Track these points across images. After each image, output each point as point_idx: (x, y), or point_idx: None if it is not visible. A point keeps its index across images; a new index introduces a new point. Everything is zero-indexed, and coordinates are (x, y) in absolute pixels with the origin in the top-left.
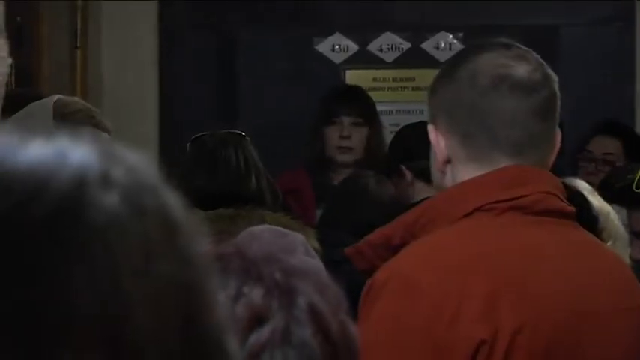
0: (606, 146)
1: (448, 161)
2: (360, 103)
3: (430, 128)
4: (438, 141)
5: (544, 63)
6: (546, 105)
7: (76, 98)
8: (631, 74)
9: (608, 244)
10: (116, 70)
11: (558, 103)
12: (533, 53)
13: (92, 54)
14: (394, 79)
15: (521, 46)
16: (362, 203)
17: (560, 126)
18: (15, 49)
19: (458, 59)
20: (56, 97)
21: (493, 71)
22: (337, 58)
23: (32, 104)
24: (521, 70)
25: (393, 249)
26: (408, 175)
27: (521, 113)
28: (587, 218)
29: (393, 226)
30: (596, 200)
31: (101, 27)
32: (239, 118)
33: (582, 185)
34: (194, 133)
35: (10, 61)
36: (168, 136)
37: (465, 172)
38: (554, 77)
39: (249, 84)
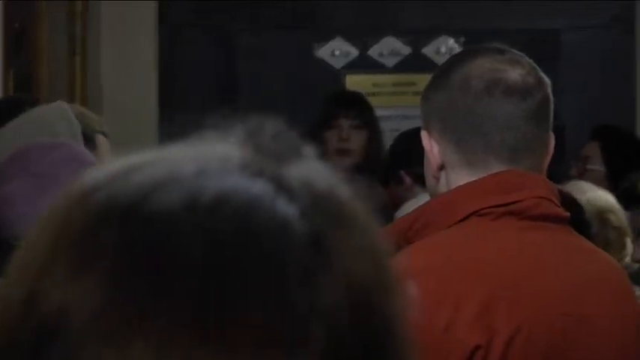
0: (584, 148)
1: (442, 167)
2: (359, 107)
3: (423, 134)
4: (432, 147)
5: (537, 67)
6: (540, 109)
7: (76, 105)
8: (631, 76)
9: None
10: (115, 76)
11: (552, 107)
12: (527, 58)
13: (91, 59)
14: (394, 84)
15: (514, 50)
16: None
17: (562, 129)
18: (13, 55)
19: (451, 64)
20: (64, 103)
21: (486, 76)
22: (337, 63)
23: (41, 109)
24: (514, 74)
25: None
26: (407, 179)
27: (515, 118)
28: (579, 223)
29: (388, 232)
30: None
31: (100, 32)
32: (239, 122)
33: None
34: (194, 137)
35: None
36: (168, 141)
37: (459, 177)
38: (548, 82)
39: (249, 89)
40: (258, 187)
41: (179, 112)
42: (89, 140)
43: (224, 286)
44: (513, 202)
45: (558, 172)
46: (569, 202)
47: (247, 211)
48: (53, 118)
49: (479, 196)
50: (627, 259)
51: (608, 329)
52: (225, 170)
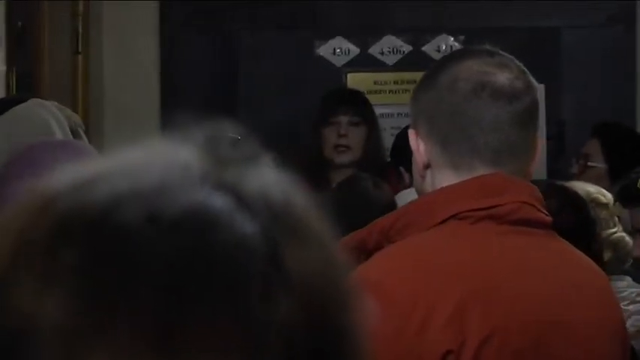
0: (585, 146)
1: (428, 166)
2: (357, 103)
3: (411, 133)
4: (419, 146)
5: (526, 71)
6: (527, 113)
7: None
8: (632, 75)
9: None
10: (117, 75)
11: (538, 111)
12: (516, 61)
13: (93, 58)
14: (395, 82)
15: (504, 53)
16: (359, 207)
17: (562, 126)
18: (16, 53)
19: (440, 65)
20: (43, 101)
21: (474, 78)
22: (338, 62)
23: (26, 108)
24: (502, 77)
25: (367, 253)
26: (407, 176)
27: (500, 121)
28: (583, 224)
29: (369, 229)
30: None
31: (102, 31)
32: (240, 121)
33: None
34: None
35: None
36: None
37: (444, 177)
38: (536, 86)
39: (250, 88)
40: (219, 203)
41: (181, 112)
42: (75, 135)
43: (184, 302)
44: (493, 207)
45: (558, 171)
46: (574, 200)
47: (208, 228)
48: (45, 116)
49: (459, 199)
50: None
51: (585, 335)
52: (186, 183)
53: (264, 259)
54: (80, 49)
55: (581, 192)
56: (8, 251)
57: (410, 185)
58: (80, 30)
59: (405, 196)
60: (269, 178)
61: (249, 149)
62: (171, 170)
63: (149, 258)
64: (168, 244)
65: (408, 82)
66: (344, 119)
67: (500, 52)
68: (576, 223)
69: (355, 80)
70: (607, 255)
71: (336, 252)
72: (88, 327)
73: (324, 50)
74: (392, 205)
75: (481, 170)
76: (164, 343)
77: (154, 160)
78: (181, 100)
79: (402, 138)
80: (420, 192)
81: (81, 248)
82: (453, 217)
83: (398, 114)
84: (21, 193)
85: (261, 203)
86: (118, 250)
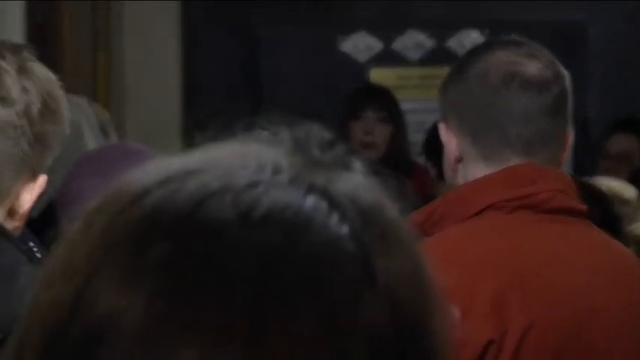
0: (621, 143)
1: (459, 159)
2: (385, 100)
3: (441, 127)
4: (450, 139)
5: (555, 61)
6: (557, 103)
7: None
8: None
9: None
10: (138, 70)
11: (569, 101)
12: (545, 51)
13: (114, 54)
14: (419, 78)
15: (533, 43)
16: None
17: (587, 120)
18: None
19: (468, 57)
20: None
21: (504, 69)
22: (362, 57)
23: None
24: (531, 67)
25: None
26: (433, 171)
27: (531, 111)
28: (609, 218)
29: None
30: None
31: (123, 27)
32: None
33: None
34: (217, 133)
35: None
36: (191, 137)
37: (476, 170)
38: (566, 75)
39: (273, 83)
40: (310, 204)
41: (202, 107)
42: (105, 132)
43: (271, 301)
44: (528, 196)
45: (583, 166)
46: (598, 196)
47: (299, 228)
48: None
49: (493, 190)
50: None
51: (623, 321)
52: (276, 182)
53: (353, 262)
54: (101, 45)
55: (604, 188)
56: (95, 246)
57: (435, 180)
58: (102, 25)
59: None
60: (359, 182)
61: (339, 152)
62: (262, 169)
63: (239, 254)
64: (259, 241)
65: (432, 77)
66: (372, 115)
67: (529, 42)
68: (601, 219)
69: (379, 76)
70: (630, 250)
71: (423, 258)
72: (176, 322)
73: (346, 46)
74: (417, 204)
75: (513, 161)
76: (252, 339)
77: (244, 158)
78: (203, 96)
79: (432, 133)
80: (451, 186)
81: (170, 243)
82: (488, 207)
83: (422, 109)
84: (92, 192)
85: (351, 207)
86: (207, 245)
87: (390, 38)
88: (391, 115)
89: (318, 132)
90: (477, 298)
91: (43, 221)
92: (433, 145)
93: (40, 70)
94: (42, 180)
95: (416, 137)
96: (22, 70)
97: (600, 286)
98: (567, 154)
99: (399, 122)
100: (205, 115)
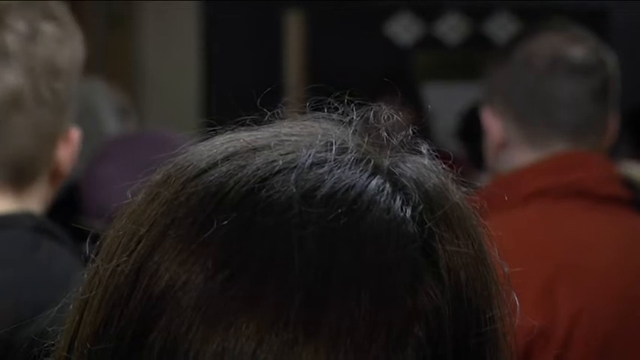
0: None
1: (503, 144)
2: (404, 85)
3: (485, 110)
4: (494, 124)
5: (601, 46)
6: (602, 87)
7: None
8: None
9: None
10: (157, 50)
11: (614, 86)
12: (590, 35)
13: (133, 34)
14: (459, 63)
15: (577, 27)
16: None
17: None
18: None
19: (514, 41)
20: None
21: (549, 53)
22: (404, 41)
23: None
24: (577, 52)
25: None
26: (465, 156)
27: (577, 96)
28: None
29: None
30: None
31: (141, 7)
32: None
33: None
34: (236, 116)
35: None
36: (210, 119)
37: (521, 155)
38: (611, 60)
39: (313, 67)
40: (375, 185)
41: (220, 87)
42: (124, 116)
43: (330, 281)
44: (575, 182)
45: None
46: (628, 183)
47: (363, 209)
48: (92, 101)
49: (540, 176)
50: None
51: None
52: (342, 162)
53: (415, 245)
54: (118, 25)
55: (633, 175)
56: (158, 219)
57: (471, 165)
58: (119, 7)
59: None
60: (424, 166)
61: (406, 134)
62: (328, 148)
63: (301, 232)
64: (321, 220)
65: (471, 62)
66: (391, 100)
67: (573, 26)
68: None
69: (420, 60)
70: None
71: (485, 246)
72: (236, 295)
73: (390, 29)
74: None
75: (559, 146)
76: (309, 317)
77: (311, 137)
78: (221, 75)
79: (468, 117)
80: (493, 171)
81: (234, 217)
82: (535, 193)
83: (462, 95)
84: (122, 180)
85: (415, 189)
86: (270, 222)
87: (431, 23)
88: (411, 100)
89: (386, 113)
90: (524, 288)
91: (63, 203)
92: (469, 130)
93: (50, 30)
94: (74, 134)
95: (456, 123)
96: (31, 35)
97: None
98: (611, 140)
99: (418, 107)
100: (229, 97)
